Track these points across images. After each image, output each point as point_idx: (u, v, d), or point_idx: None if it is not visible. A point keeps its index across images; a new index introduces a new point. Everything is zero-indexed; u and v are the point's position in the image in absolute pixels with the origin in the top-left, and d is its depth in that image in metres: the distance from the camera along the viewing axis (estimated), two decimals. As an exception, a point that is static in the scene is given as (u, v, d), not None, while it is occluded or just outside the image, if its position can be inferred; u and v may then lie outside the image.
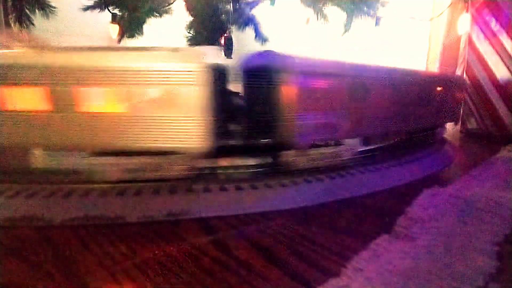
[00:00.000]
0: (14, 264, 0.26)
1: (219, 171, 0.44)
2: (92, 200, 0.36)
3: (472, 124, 0.95)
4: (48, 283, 0.24)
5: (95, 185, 0.39)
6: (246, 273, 0.25)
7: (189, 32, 0.92)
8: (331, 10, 1.06)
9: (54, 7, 0.89)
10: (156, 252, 0.28)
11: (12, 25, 0.91)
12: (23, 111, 0.35)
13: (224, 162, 0.43)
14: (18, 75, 0.34)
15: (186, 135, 0.35)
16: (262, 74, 0.40)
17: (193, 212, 0.36)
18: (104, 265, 0.26)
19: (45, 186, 0.38)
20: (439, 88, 0.65)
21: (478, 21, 0.91)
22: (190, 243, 0.30)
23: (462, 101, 0.84)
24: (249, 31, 1.21)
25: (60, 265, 0.26)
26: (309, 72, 0.41)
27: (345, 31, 1.08)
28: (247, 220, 0.35)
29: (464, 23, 1.04)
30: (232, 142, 0.42)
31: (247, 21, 1.17)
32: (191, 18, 0.92)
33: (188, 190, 0.39)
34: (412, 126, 0.60)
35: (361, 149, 0.53)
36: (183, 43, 0.93)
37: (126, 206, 0.35)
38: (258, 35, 1.21)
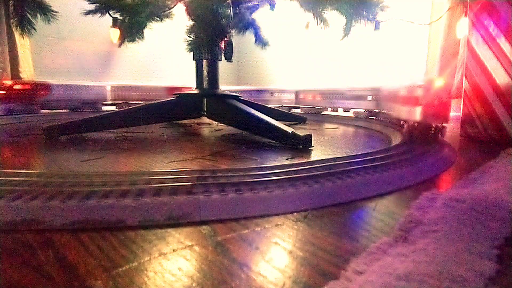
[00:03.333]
0: (15, 267, 0.26)
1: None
2: (93, 203, 0.36)
3: (471, 128, 0.95)
4: (48, 286, 0.24)
5: (96, 188, 0.39)
6: (246, 275, 0.25)
7: (189, 36, 0.92)
8: (330, 14, 1.07)
9: (56, 12, 0.89)
10: (156, 255, 0.28)
11: (13, 29, 0.91)
12: None
13: None
14: None
15: None
16: None
17: (193, 215, 0.36)
18: (105, 268, 0.26)
19: (46, 189, 0.39)
20: None
21: (477, 25, 0.91)
22: (190, 246, 0.30)
23: None
24: (249, 35, 1.22)
25: (61, 268, 0.26)
26: None
27: (345, 35, 1.09)
28: (247, 223, 0.35)
29: (463, 27, 1.05)
30: None
31: (247, 25, 1.18)
32: (191, 22, 0.93)
33: (189, 193, 0.39)
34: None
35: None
36: (183, 47, 0.94)
37: (127, 210, 0.35)
38: (258, 39, 1.22)
